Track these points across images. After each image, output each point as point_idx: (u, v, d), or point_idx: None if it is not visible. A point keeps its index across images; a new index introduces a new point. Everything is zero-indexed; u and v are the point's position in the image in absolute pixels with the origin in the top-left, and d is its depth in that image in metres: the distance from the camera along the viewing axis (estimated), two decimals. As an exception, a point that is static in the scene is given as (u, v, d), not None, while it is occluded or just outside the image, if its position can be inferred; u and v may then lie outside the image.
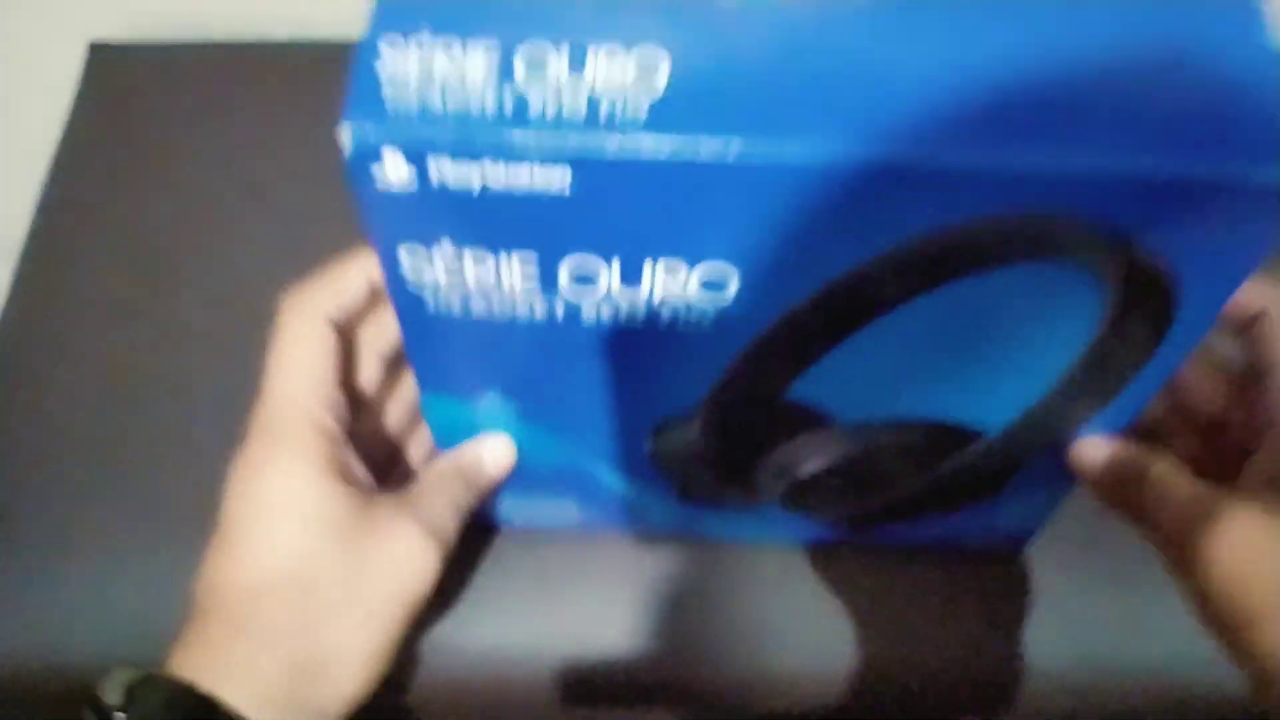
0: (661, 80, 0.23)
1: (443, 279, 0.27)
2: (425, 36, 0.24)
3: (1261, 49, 0.24)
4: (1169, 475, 0.31)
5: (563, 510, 0.41)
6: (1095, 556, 0.43)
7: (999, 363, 0.30)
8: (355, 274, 0.33)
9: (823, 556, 0.43)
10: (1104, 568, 0.42)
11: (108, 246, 0.50)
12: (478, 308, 0.28)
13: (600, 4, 0.24)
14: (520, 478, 0.38)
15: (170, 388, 0.46)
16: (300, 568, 0.30)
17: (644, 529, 0.43)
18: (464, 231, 0.25)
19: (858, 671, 0.42)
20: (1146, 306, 0.26)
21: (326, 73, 0.52)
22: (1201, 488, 0.30)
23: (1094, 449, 0.32)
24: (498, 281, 0.27)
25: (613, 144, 0.23)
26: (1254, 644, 0.27)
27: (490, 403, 0.34)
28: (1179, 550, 0.29)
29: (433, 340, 0.31)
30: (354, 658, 0.30)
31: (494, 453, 0.36)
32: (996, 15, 0.24)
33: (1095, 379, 0.29)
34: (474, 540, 0.43)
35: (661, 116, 0.23)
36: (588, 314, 0.28)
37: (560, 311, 0.28)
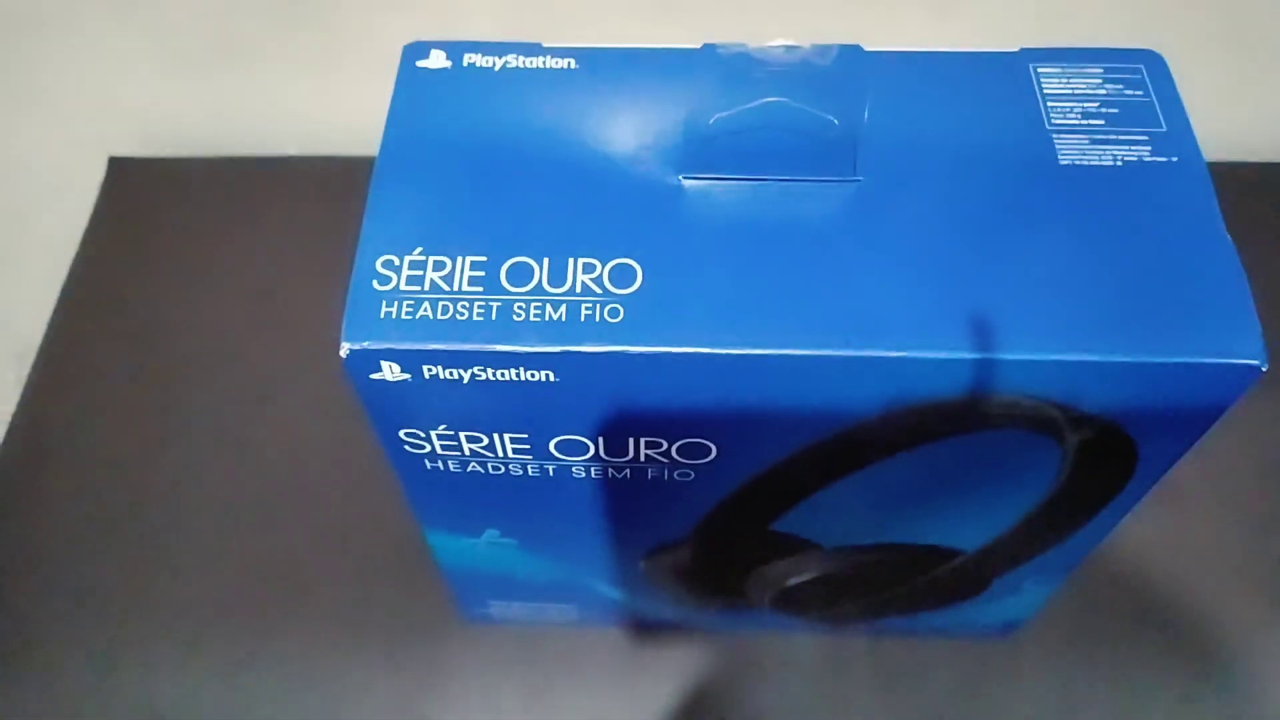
0: (635, 286, 0.25)
1: (439, 449, 0.29)
2: (417, 254, 0.26)
3: (1216, 240, 0.26)
4: None
5: (562, 612, 0.43)
6: (1087, 643, 0.44)
7: (968, 502, 0.31)
8: None
9: (817, 644, 0.44)
10: (1096, 654, 0.44)
11: (121, 349, 0.52)
12: (474, 467, 0.30)
13: (578, 222, 0.26)
14: (520, 588, 0.39)
15: (180, 487, 0.48)
16: None
17: (640, 623, 0.45)
18: (457, 417, 0.27)
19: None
20: (1100, 473, 0.27)
21: (333, 186, 0.54)
22: None
23: None
24: (492, 449, 0.29)
25: (592, 344, 0.24)
26: None
27: (490, 537, 0.36)
28: None
29: (431, 490, 0.32)
30: None
31: None
32: (951, 218, 0.26)
33: (1052, 524, 0.30)
34: (471, 632, 0.44)
35: (636, 317, 0.25)
36: (578, 473, 0.30)
37: (552, 471, 0.30)
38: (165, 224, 0.56)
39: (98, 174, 0.58)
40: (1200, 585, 0.45)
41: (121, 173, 0.58)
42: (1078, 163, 0.27)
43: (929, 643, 0.44)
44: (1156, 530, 0.46)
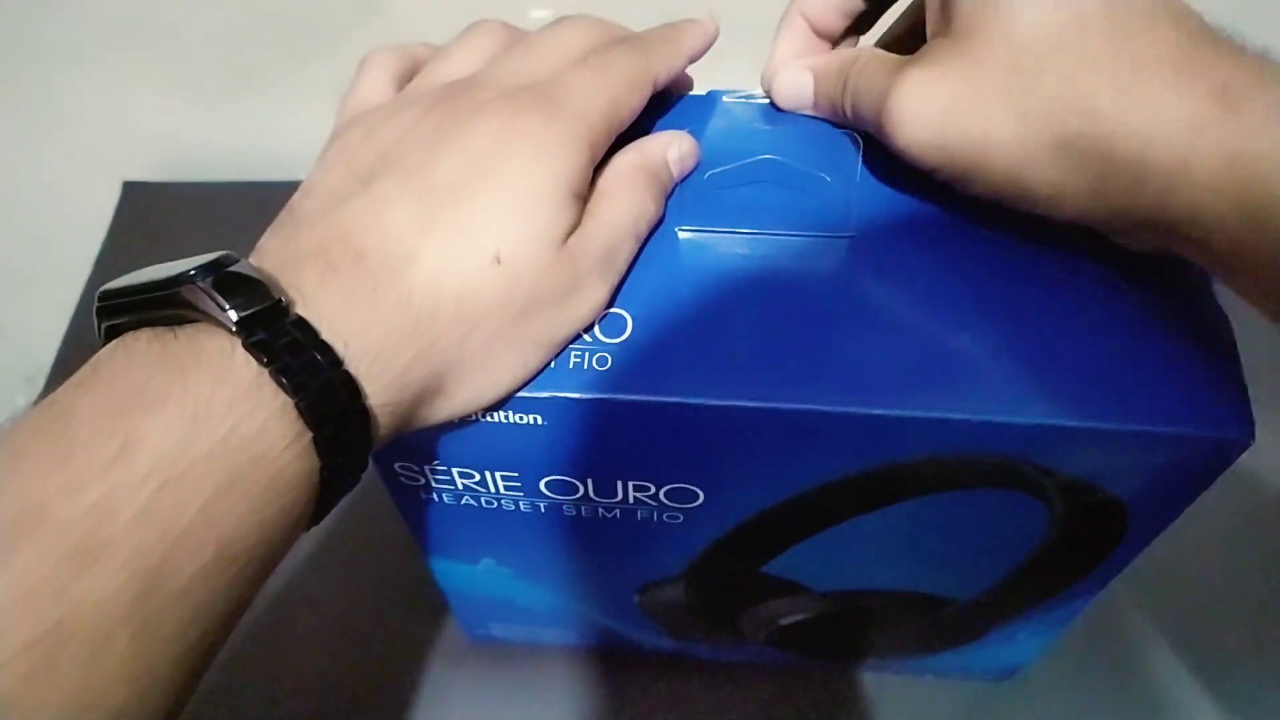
0: (625, 335, 0.25)
1: (433, 482, 0.29)
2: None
3: (1208, 308, 0.26)
4: (869, 61, 0.28)
5: (559, 635, 0.43)
6: (1092, 681, 0.44)
7: (957, 554, 0.31)
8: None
9: (814, 678, 0.44)
10: (1097, 695, 0.43)
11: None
12: (467, 500, 0.31)
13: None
14: (519, 612, 0.40)
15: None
16: (503, 280, 0.23)
17: (636, 649, 0.45)
18: (449, 454, 0.28)
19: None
20: (1088, 535, 0.27)
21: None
22: (896, 60, 0.27)
23: (795, 84, 0.30)
24: (484, 485, 0.29)
25: (579, 391, 0.25)
26: (977, 180, 0.25)
27: (487, 565, 0.36)
28: (880, 124, 0.26)
29: (427, 519, 0.33)
30: (473, 395, 0.25)
31: (678, 152, 0.29)
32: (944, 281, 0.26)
33: (1040, 581, 0.30)
34: (473, 650, 0.45)
35: (624, 366, 0.25)
36: (569, 511, 0.30)
37: (543, 509, 0.30)
38: (178, 248, 0.56)
39: (112, 198, 0.59)
40: (1206, 625, 0.45)
41: (135, 197, 0.59)
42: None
43: (928, 681, 0.44)
44: (1161, 572, 0.46)
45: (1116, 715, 0.43)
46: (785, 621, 0.38)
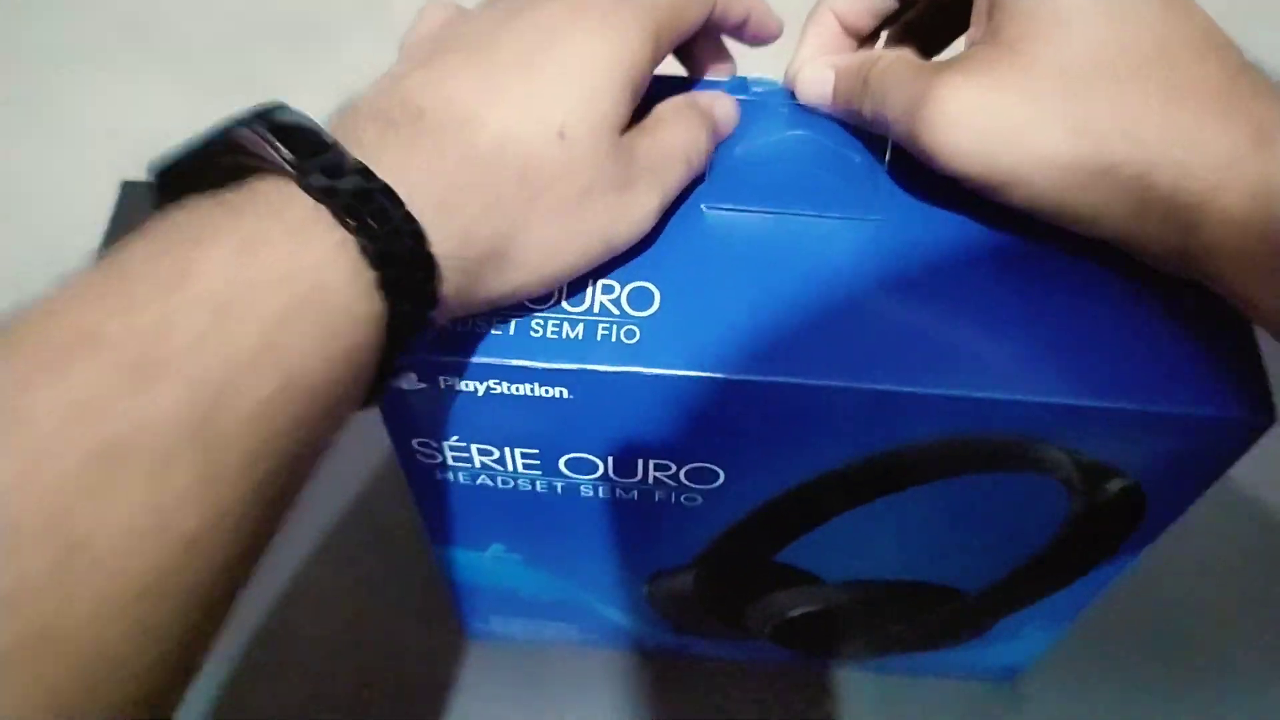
0: (653, 309, 0.25)
1: (450, 460, 0.29)
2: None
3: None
4: (895, 62, 0.28)
5: (563, 631, 0.43)
6: (1092, 686, 0.44)
7: (973, 543, 0.31)
8: None
9: (818, 677, 0.44)
10: (1099, 698, 0.43)
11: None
12: (483, 480, 0.30)
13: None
14: (524, 604, 0.40)
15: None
16: (566, 155, 0.23)
17: (640, 647, 0.45)
18: (470, 429, 0.28)
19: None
20: (1106, 520, 0.28)
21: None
22: (926, 64, 0.27)
23: (817, 81, 0.30)
24: (502, 463, 0.29)
25: (606, 364, 0.25)
26: (1015, 192, 0.25)
27: (496, 551, 0.36)
28: (914, 127, 0.26)
29: (440, 501, 0.33)
30: (534, 271, 0.24)
31: (725, 108, 0.29)
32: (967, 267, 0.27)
33: (1056, 569, 0.30)
34: (474, 648, 0.44)
35: (651, 339, 0.25)
36: (586, 492, 0.30)
37: (560, 488, 0.30)
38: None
39: (111, 198, 0.59)
40: (1210, 629, 0.45)
41: (134, 196, 0.59)
42: None
43: (931, 682, 0.44)
44: (1166, 574, 0.46)
45: (1116, 718, 0.43)
46: (793, 614, 0.38)
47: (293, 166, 0.20)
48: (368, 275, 0.20)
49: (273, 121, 0.20)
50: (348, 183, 0.20)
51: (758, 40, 0.30)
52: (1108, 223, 0.24)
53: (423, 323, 0.22)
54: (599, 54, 0.24)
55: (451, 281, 0.22)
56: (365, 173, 0.20)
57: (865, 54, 0.29)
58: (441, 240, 0.21)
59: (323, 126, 0.21)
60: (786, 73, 0.31)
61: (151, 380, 0.17)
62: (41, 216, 0.63)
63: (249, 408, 0.18)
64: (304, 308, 0.19)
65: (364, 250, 0.20)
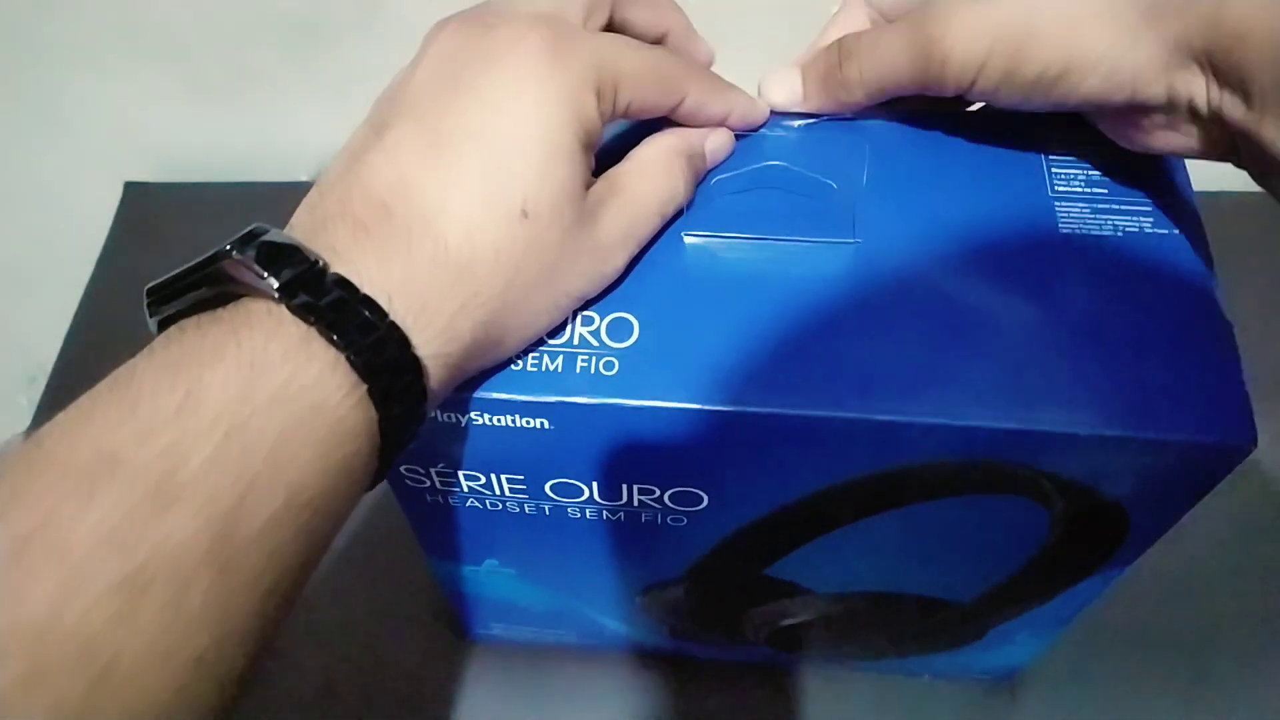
0: (631, 340, 0.26)
1: (438, 485, 0.30)
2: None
3: (1212, 317, 0.26)
4: (868, 31, 0.28)
5: (561, 635, 0.43)
6: (1091, 686, 0.44)
7: (959, 557, 0.32)
8: None
9: (816, 677, 0.45)
10: (1097, 697, 0.44)
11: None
12: (473, 503, 0.31)
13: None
14: (521, 614, 0.40)
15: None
16: (532, 233, 0.24)
17: (640, 649, 0.45)
18: (455, 457, 0.28)
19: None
20: (1088, 538, 0.28)
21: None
22: (897, 20, 0.28)
23: (785, 82, 0.30)
24: (489, 487, 0.29)
25: (586, 396, 0.25)
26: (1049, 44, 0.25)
27: (490, 566, 0.36)
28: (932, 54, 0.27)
29: (432, 521, 0.33)
30: (515, 342, 0.25)
31: (715, 143, 0.29)
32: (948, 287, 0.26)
33: (1040, 583, 0.30)
34: (474, 650, 0.45)
35: (630, 371, 0.25)
36: (574, 514, 0.31)
37: (548, 510, 0.30)
38: (179, 248, 0.56)
39: (113, 198, 0.59)
40: (1205, 626, 0.45)
41: (136, 197, 0.59)
42: (1078, 231, 0.27)
43: (930, 682, 0.44)
44: (1165, 574, 0.46)
45: (1114, 718, 0.43)
46: (786, 623, 0.38)
47: (279, 291, 0.20)
48: (361, 388, 0.21)
49: (256, 246, 0.21)
50: (331, 297, 0.21)
51: (747, 130, 0.30)
52: (1122, 53, 0.24)
53: (418, 420, 0.23)
54: (546, 119, 0.24)
55: (438, 376, 0.23)
56: (346, 284, 0.21)
57: (823, 47, 0.29)
58: (426, 342, 0.22)
59: (300, 242, 0.22)
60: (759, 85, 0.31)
61: (171, 505, 0.18)
62: (44, 218, 0.63)
63: (259, 525, 0.19)
64: (302, 426, 0.20)
65: (354, 365, 0.21)
